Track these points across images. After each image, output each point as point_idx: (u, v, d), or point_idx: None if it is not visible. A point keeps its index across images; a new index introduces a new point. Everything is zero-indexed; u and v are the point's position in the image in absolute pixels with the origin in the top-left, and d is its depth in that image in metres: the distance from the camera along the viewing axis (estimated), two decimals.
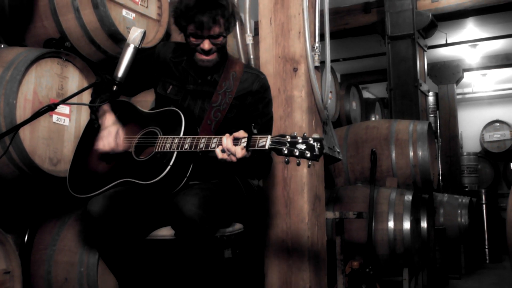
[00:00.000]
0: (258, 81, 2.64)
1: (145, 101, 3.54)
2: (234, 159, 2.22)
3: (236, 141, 2.21)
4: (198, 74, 2.62)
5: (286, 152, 2.08)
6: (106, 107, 2.64)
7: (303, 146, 2.06)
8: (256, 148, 2.14)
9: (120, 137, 2.54)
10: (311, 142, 2.06)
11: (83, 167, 2.67)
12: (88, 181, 2.60)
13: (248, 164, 2.33)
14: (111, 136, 2.52)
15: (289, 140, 2.08)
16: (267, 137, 2.13)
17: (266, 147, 2.11)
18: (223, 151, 2.23)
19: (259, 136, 2.16)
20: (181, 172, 2.42)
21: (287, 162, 2.12)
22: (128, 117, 2.65)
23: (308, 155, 2.05)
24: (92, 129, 2.70)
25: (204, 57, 2.49)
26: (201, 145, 2.30)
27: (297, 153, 2.06)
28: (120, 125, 2.59)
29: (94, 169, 2.62)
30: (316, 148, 2.05)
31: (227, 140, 2.21)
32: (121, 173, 2.50)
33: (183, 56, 2.65)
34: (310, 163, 2.11)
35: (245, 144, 2.17)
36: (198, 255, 2.30)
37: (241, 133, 2.22)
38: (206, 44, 2.45)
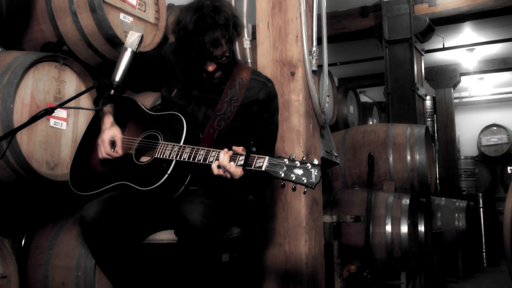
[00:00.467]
0: (265, 89, 2.60)
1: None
2: (229, 176, 2.21)
3: (234, 157, 2.19)
4: (203, 85, 2.58)
5: (282, 175, 2.05)
6: (108, 108, 2.63)
7: (300, 172, 2.03)
8: (252, 168, 2.12)
9: (117, 144, 2.54)
10: (309, 168, 2.03)
11: (85, 164, 2.68)
12: (88, 179, 2.61)
13: (244, 182, 2.29)
14: (106, 143, 2.53)
15: (287, 163, 2.06)
16: (265, 158, 2.10)
17: (263, 168, 2.09)
18: (219, 166, 2.22)
19: (257, 156, 2.13)
20: (179, 180, 2.42)
21: (283, 186, 2.09)
22: (131, 116, 2.65)
23: (305, 181, 2.03)
24: (96, 125, 2.70)
25: (209, 78, 2.47)
26: (199, 157, 2.30)
27: (293, 178, 2.04)
28: (120, 127, 2.60)
29: (95, 168, 2.63)
30: (313, 175, 2.03)
31: (224, 156, 2.20)
32: (120, 175, 2.51)
33: None
34: (305, 189, 2.08)
35: (242, 162, 2.15)
36: (199, 262, 2.29)
37: (240, 149, 2.21)
38: (210, 67, 2.41)
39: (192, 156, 2.32)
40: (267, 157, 2.10)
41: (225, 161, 2.19)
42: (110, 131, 2.56)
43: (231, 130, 2.56)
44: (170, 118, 2.54)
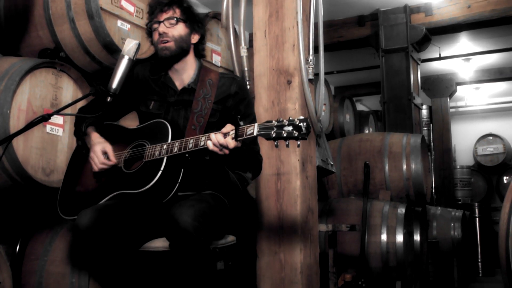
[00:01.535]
0: (236, 83, 2.71)
1: None
2: (227, 152, 2.26)
3: (225, 136, 2.25)
4: (165, 65, 2.70)
5: (274, 135, 2.12)
6: (92, 129, 2.67)
7: (290, 128, 2.11)
8: (245, 136, 2.19)
9: (109, 153, 2.56)
10: (297, 123, 2.11)
11: (73, 190, 2.67)
12: (78, 202, 2.60)
13: (240, 155, 2.40)
14: (99, 154, 2.54)
15: (275, 124, 2.13)
16: (254, 124, 2.18)
17: (255, 134, 2.16)
18: (214, 145, 2.27)
19: (246, 125, 2.21)
20: (172, 178, 2.43)
21: (277, 146, 2.16)
22: (115, 136, 2.68)
23: (296, 134, 2.10)
24: (80, 154, 2.72)
25: (161, 45, 2.60)
26: (190, 145, 2.34)
27: (284, 135, 2.11)
28: (108, 143, 2.61)
29: (84, 190, 2.63)
30: (303, 128, 2.10)
31: (216, 136, 2.26)
32: (112, 188, 2.51)
33: (161, 72, 2.72)
34: (299, 142, 2.15)
35: (233, 135, 2.22)
36: (191, 266, 2.29)
37: (228, 128, 2.27)
38: (161, 27, 2.60)
39: (182, 147, 2.36)
40: (256, 124, 2.18)
41: (219, 138, 2.25)
42: (100, 144, 2.58)
43: (211, 127, 2.61)
44: (152, 126, 2.59)
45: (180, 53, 2.64)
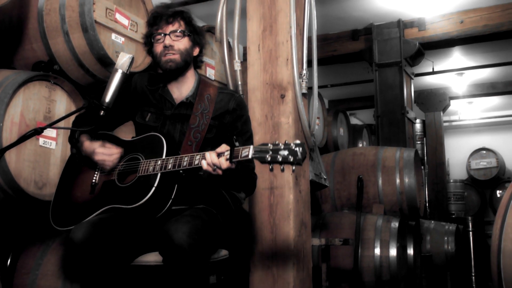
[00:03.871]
0: (234, 99, 2.69)
1: None
2: (220, 172, 2.24)
3: (220, 155, 2.23)
4: (166, 77, 2.68)
5: (269, 159, 2.09)
6: (85, 138, 2.65)
7: (285, 152, 2.08)
8: (239, 158, 2.16)
9: (112, 147, 2.55)
10: (293, 147, 2.08)
11: (66, 201, 2.65)
12: (71, 213, 2.58)
13: (234, 176, 2.37)
14: (105, 150, 2.53)
15: (271, 147, 2.11)
16: (250, 147, 2.15)
17: (250, 156, 2.13)
18: (208, 164, 2.25)
19: (241, 147, 2.18)
20: (165, 193, 2.42)
21: (271, 170, 2.14)
22: None
23: (291, 159, 2.08)
24: (74, 164, 2.71)
25: (166, 57, 2.57)
26: (185, 163, 2.33)
27: (280, 159, 2.08)
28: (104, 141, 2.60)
29: (78, 201, 2.61)
30: (298, 153, 2.08)
31: (210, 155, 2.24)
32: (105, 201, 2.49)
33: (159, 84, 2.71)
34: (294, 168, 2.12)
35: (228, 156, 2.20)
36: (184, 282, 2.28)
37: (223, 147, 2.25)
38: (167, 40, 2.56)
39: (177, 164, 2.35)
40: (251, 146, 2.15)
41: (213, 158, 2.23)
42: (100, 146, 2.55)
43: (208, 142, 2.61)
44: (148, 139, 2.57)
45: (183, 66, 2.63)
